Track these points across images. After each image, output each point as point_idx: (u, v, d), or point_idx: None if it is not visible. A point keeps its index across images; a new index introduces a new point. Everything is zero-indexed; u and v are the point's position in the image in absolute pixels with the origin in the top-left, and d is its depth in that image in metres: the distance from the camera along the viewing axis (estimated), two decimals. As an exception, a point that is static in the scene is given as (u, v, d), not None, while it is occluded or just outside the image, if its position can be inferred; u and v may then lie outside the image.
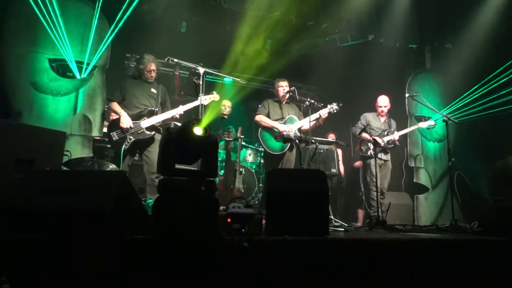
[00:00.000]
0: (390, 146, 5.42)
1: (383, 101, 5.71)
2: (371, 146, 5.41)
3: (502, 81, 6.39)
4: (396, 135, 5.57)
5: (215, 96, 4.76)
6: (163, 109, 4.75)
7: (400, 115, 6.33)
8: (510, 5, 6.52)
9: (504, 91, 6.32)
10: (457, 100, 6.87)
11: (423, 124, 5.79)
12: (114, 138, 4.44)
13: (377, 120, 5.71)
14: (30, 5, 4.68)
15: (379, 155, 5.39)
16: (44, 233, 2.03)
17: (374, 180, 5.38)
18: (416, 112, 6.78)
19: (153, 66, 4.70)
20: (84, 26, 5.10)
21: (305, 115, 5.13)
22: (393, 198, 5.82)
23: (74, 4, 5.13)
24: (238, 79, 6.17)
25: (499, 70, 6.40)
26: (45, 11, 4.76)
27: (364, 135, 5.52)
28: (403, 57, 7.58)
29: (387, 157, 5.59)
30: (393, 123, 5.78)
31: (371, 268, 2.36)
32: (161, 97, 4.75)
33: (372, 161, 5.41)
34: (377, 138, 5.37)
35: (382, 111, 5.68)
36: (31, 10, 4.70)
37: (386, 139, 5.41)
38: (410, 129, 5.79)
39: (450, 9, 6.79)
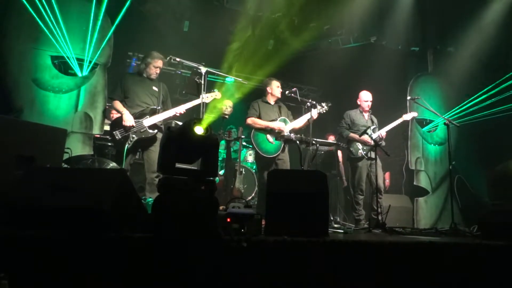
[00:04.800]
0: (379, 142, 5.20)
1: (369, 96, 5.62)
2: (360, 147, 5.35)
3: (504, 85, 6.39)
4: (383, 131, 5.46)
5: (216, 94, 4.74)
6: (164, 107, 4.72)
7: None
8: (512, 9, 6.52)
9: (506, 95, 6.32)
10: (458, 103, 6.87)
11: (407, 116, 5.66)
12: (117, 137, 4.41)
13: (361, 117, 5.61)
14: (32, 2, 4.69)
15: (368, 154, 5.32)
16: (43, 230, 2.03)
17: (362, 183, 5.35)
18: (418, 115, 6.78)
19: (160, 64, 4.69)
20: (87, 23, 5.11)
21: (298, 115, 5.10)
22: (393, 200, 5.82)
23: (76, 1, 5.14)
24: (240, 79, 6.17)
25: (502, 79, 6.40)
26: (47, 8, 4.76)
27: (352, 135, 5.47)
28: (405, 59, 7.57)
29: (374, 155, 5.36)
30: (375, 119, 5.70)
31: (370, 270, 2.35)
32: (162, 95, 4.72)
33: (360, 163, 5.36)
34: (366, 137, 5.25)
35: (368, 106, 5.59)
36: (34, 7, 4.71)
37: (373, 136, 5.29)
38: (395, 123, 5.59)
39: (453, 12, 6.78)
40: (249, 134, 5.16)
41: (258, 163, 5.30)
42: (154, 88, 4.69)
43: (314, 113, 5.06)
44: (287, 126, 5.08)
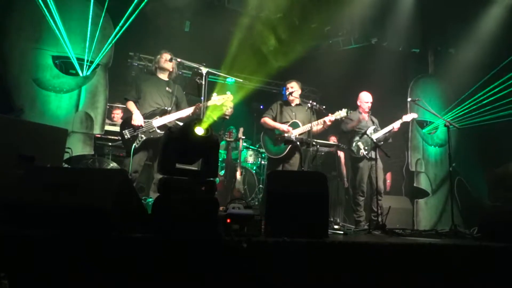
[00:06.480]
0: (380, 143, 5.19)
1: (369, 97, 5.59)
2: (362, 147, 5.34)
3: (505, 87, 6.39)
4: (397, 124, 5.41)
5: (228, 97, 4.72)
6: (178, 109, 4.67)
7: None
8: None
9: (507, 100, 6.32)
10: (459, 105, 6.87)
11: (407, 118, 5.56)
12: (126, 137, 4.41)
13: (360, 118, 5.58)
14: (34, 2, 4.70)
15: (369, 155, 5.31)
16: (44, 229, 2.03)
17: (363, 185, 5.35)
18: (418, 116, 6.79)
19: (168, 56, 4.67)
20: (88, 24, 5.12)
21: (317, 117, 5.01)
22: (393, 202, 5.81)
23: (78, 2, 5.15)
24: (241, 80, 6.16)
25: (503, 79, 6.41)
26: (49, 8, 4.77)
27: (352, 124, 5.43)
28: (406, 61, 7.57)
29: (375, 155, 5.27)
30: (376, 120, 5.67)
31: (370, 272, 2.36)
32: (176, 97, 4.68)
33: (361, 164, 5.35)
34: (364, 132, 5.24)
35: (368, 107, 5.56)
36: (35, 7, 4.72)
37: (375, 136, 5.26)
38: (394, 125, 5.47)
39: (454, 14, 6.79)
40: (260, 135, 5.29)
41: (268, 164, 5.49)
42: (168, 89, 4.67)
43: (331, 118, 5.01)
44: (296, 130, 5.05)
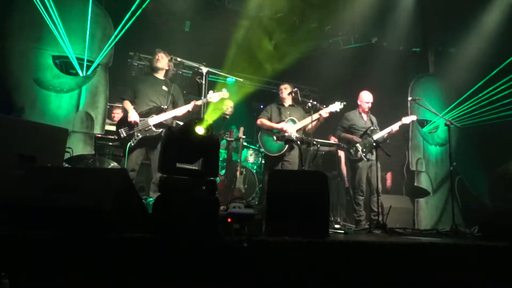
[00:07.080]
0: (380, 143, 5.12)
1: (370, 97, 5.57)
2: (360, 149, 5.33)
3: (504, 88, 6.39)
4: (395, 126, 5.44)
5: (224, 94, 4.72)
6: (174, 107, 4.66)
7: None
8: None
9: (508, 100, 6.31)
10: (459, 104, 6.87)
11: (406, 120, 5.60)
12: (122, 135, 4.40)
13: (360, 118, 5.57)
14: (34, 2, 4.70)
15: (367, 156, 5.31)
16: (44, 230, 2.03)
17: (362, 184, 5.34)
18: (419, 116, 6.78)
19: (162, 55, 4.67)
20: (88, 23, 5.11)
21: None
22: (394, 201, 5.80)
23: (77, 1, 5.14)
24: (241, 79, 6.16)
25: (504, 80, 6.40)
26: (49, 8, 4.77)
27: (344, 134, 5.46)
28: (406, 60, 7.56)
29: (373, 156, 5.26)
30: (374, 119, 5.66)
31: (370, 271, 2.35)
32: (172, 95, 4.67)
33: (360, 164, 5.34)
34: (355, 137, 5.31)
35: (368, 107, 5.55)
36: (36, 7, 4.72)
37: (376, 136, 5.26)
38: (393, 127, 5.50)
39: (454, 13, 6.78)
40: (258, 135, 5.30)
41: (266, 163, 5.51)
42: (164, 88, 4.66)
43: (326, 111, 5.04)
44: (294, 126, 5.08)
